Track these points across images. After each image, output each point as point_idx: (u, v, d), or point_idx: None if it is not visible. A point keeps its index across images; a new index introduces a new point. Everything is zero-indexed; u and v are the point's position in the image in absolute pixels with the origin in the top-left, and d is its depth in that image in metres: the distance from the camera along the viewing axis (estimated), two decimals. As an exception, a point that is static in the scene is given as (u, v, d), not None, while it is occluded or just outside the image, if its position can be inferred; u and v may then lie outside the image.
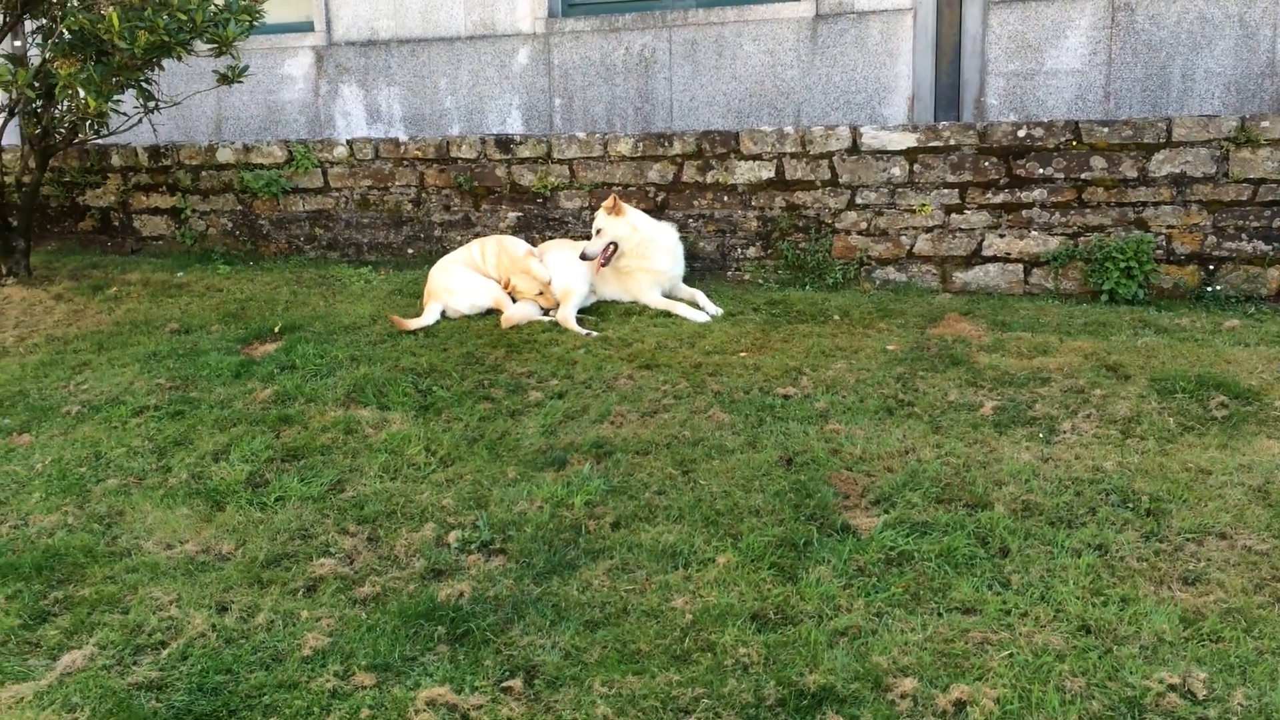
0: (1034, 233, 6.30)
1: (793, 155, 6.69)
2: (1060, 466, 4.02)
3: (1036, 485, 3.88)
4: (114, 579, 3.57)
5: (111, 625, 3.29)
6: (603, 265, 6.14)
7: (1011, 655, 2.94)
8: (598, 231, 6.15)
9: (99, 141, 7.66)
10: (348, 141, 7.64)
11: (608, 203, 6.16)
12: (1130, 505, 3.72)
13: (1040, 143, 6.22)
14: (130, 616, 3.33)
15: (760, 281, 6.73)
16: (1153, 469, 3.97)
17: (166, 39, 6.11)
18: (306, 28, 8.82)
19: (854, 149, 6.57)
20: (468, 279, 6.18)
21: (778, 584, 3.36)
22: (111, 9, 5.94)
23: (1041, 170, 6.24)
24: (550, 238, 7.03)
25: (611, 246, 6.11)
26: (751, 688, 2.86)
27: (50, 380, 5.42)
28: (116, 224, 8.23)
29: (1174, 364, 4.92)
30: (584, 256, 6.09)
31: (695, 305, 6.12)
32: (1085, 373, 4.87)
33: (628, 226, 6.14)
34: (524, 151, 7.22)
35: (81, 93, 6.04)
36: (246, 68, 7.01)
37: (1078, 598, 3.20)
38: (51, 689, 2.98)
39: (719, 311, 6.05)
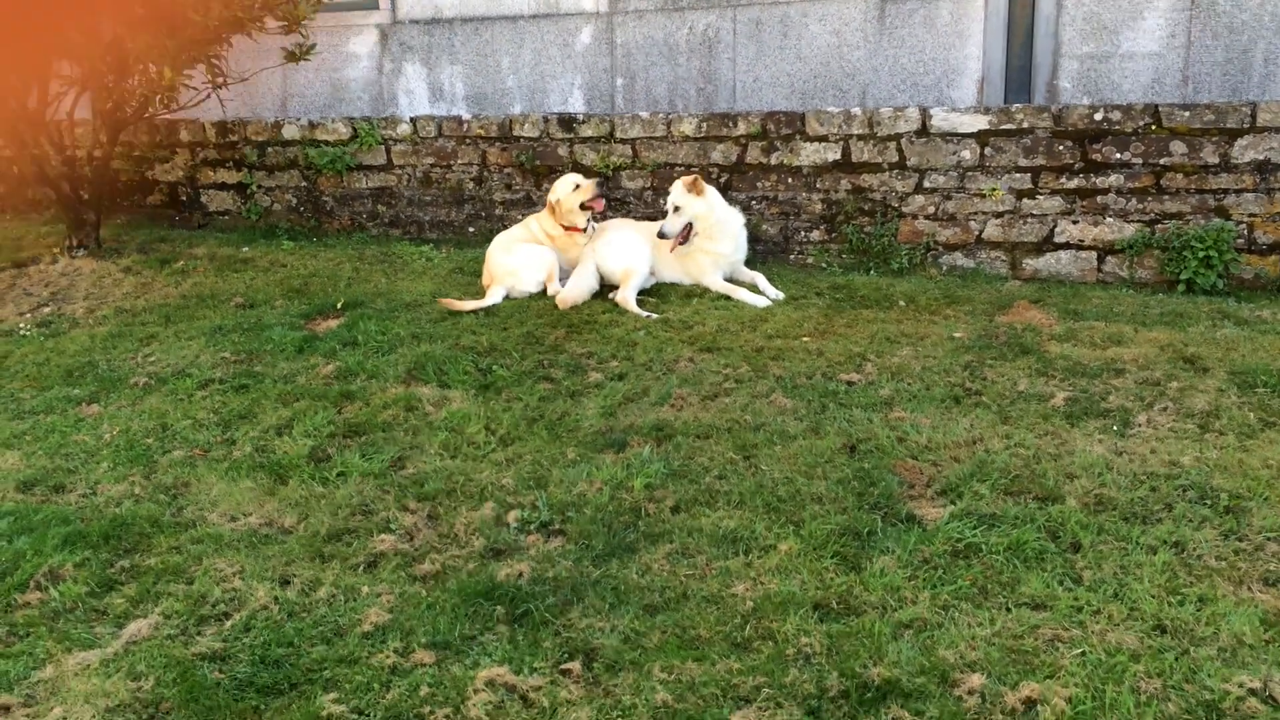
0: (1109, 219, 6.13)
1: (859, 137, 6.57)
2: (1135, 460, 3.90)
3: (1110, 479, 3.77)
4: (179, 549, 3.61)
5: (176, 595, 3.33)
6: (680, 244, 6.08)
7: (1084, 654, 2.86)
8: (675, 209, 6.08)
9: (168, 117, 7.75)
10: (411, 119, 7.65)
11: (687, 180, 6.07)
12: (1208, 502, 3.60)
13: (1118, 126, 6.04)
14: (195, 587, 3.37)
15: (824, 265, 6.63)
16: (1232, 465, 3.84)
17: (240, 14, 6.15)
18: (371, 5, 8.83)
19: (923, 131, 6.43)
20: (532, 256, 6.16)
21: (840, 573, 3.30)
22: None
23: (1118, 155, 6.06)
24: (612, 218, 6.98)
25: (688, 226, 6.05)
26: (814, 678, 2.81)
27: (118, 352, 5.51)
28: (184, 199, 8.34)
29: (1254, 357, 4.75)
30: (661, 235, 6.05)
31: (755, 289, 6.04)
32: (1161, 364, 4.72)
33: (705, 206, 6.07)
34: (586, 131, 7.18)
35: (154, 67, 6.10)
36: (314, 46, 7.04)
37: (1153, 596, 3.10)
38: (118, 657, 3.02)
39: (780, 295, 5.97)
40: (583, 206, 6.37)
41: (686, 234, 6.07)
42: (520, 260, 6.15)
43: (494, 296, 5.99)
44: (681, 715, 2.69)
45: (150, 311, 6.11)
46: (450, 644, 3.03)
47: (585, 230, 6.39)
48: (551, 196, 6.44)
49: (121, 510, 3.88)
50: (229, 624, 3.18)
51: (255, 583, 3.37)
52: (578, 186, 6.40)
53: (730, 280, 6.16)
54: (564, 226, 6.41)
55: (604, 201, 6.45)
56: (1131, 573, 3.22)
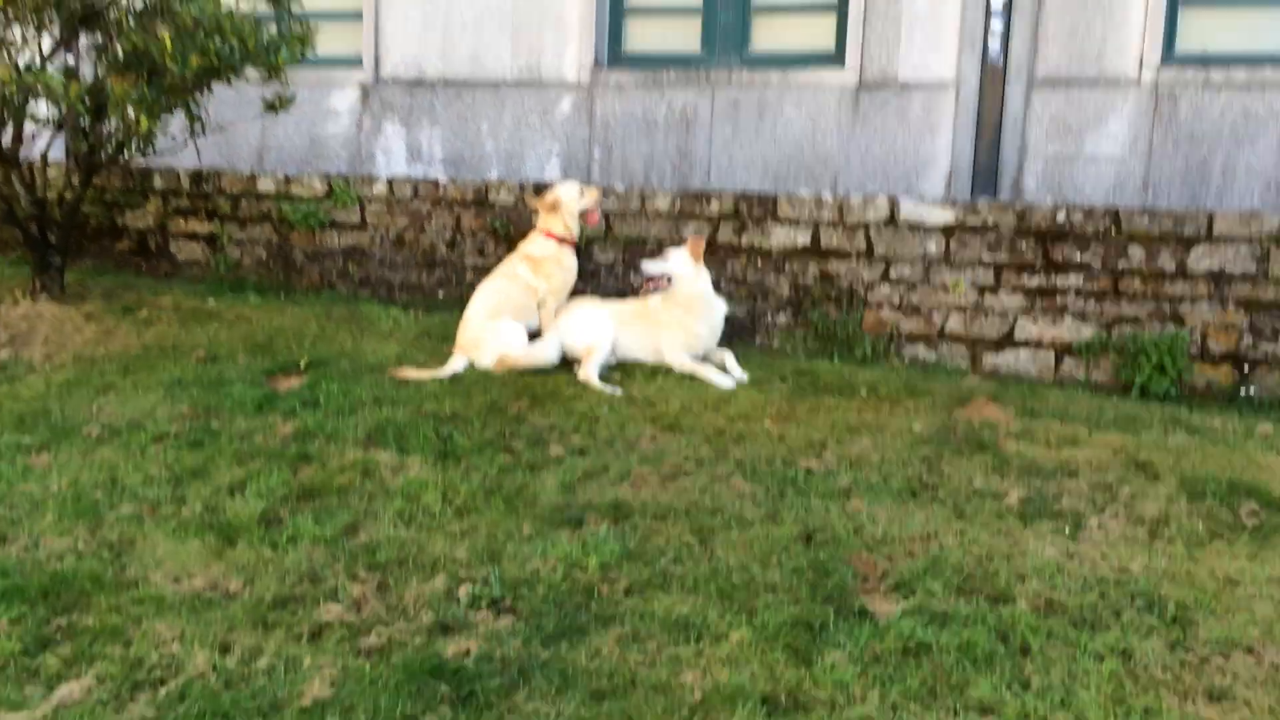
0: (1068, 319, 6.25)
1: (829, 223, 6.68)
2: (1085, 564, 3.94)
3: (1060, 582, 3.79)
4: (119, 609, 3.53)
5: (112, 658, 3.25)
6: (650, 290, 6.10)
7: (1028, 762, 2.85)
8: (668, 279, 6.09)
9: (143, 162, 7.74)
10: (388, 179, 7.70)
11: (692, 244, 6.14)
12: (1156, 611, 3.63)
13: (1079, 228, 6.19)
14: (132, 650, 3.29)
15: (789, 350, 6.69)
16: (1180, 575, 3.88)
17: (217, 62, 6.19)
18: (355, 62, 8.93)
19: (891, 220, 6.55)
20: (504, 330, 6.14)
21: (791, 666, 3.28)
22: (165, 30, 6.02)
23: (1079, 256, 6.21)
24: (583, 289, 7.01)
25: (667, 280, 6.07)
26: (759, 777, 2.78)
27: (74, 400, 5.43)
28: (153, 247, 8.30)
29: (1205, 466, 4.83)
30: (642, 270, 6.11)
31: (724, 368, 6.05)
32: (1114, 468, 4.79)
33: (696, 276, 6.10)
34: (561, 201, 7.24)
35: (132, 112, 6.11)
36: (294, 96, 7.08)
37: (1099, 706, 3.10)
38: (46, 721, 2.94)
39: (745, 377, 6.00)
40: (581, 216, 6.47)
41: (661, 285, 6.07)
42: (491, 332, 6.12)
43: (455, 365, 5.98)
44: (623, 810, 2.65)
45: (110, 360, 6.04)
46: (392, 723, 2.97)
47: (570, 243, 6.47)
48: (553, 195, 6.44)
49: (63, 566, 3.80)
50: (164, 691, 3.10)
51: (194, 648, 3.30)
52: (582, 193, 6.49)
53: (702, 358, 6.15)
54: (556, 238, 6.39)
55: (599, 216, 6.57)
56: (1079, 680, 3.23)
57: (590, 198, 6.54)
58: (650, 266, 6.14)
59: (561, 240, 6.44)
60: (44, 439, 4.94)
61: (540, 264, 6.41)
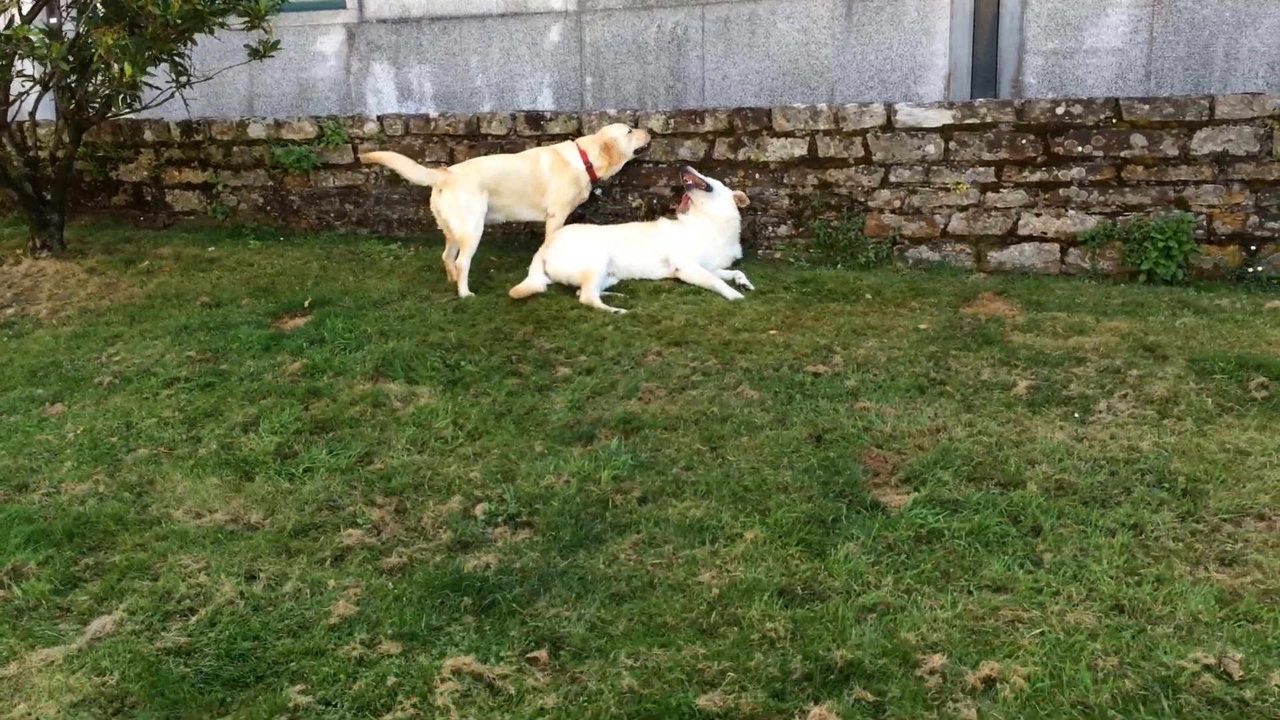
0: (1071, 212, 6.20)
1: (826, 133, 6.61)
2: (1095, 446, 3.96)
3: (1070, 465, 3.82)
4: (144, 546, 3.59)
5: (141, 592, 3.32)
6: (681, 210, 6.42)
7: (1043, 634, 2.90)
8: (707, 187, 6.38)
9: (131, 117, 7.68)
10: (378, 117, 7.63)
11: (738, 196, 6.51)
12: (1166, 486, 3.66)
13: (1079, 120, 6.11)
14: (160, 583, 3.36)
15: (791, 260, 6.67)
16: (1190, 450, 3.90)
17: (200, 7, 6.12)
18: (339, 5, 8.80)
19: (888, 126, 6.48)
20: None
21: (805, 560, 3.33)
22: None
23: (1080, 148, 6.14)
24: (581, 215, 6.98)
25: (706, 187, 6.36)
26: (778, 662, 2.83)
27: (83, 352, 5.46)
28: (149, 199, 8.27)
29: (1213, 345, 4.82)
30: (687, 170, 6.43)
31: (734, 283, 6.08)
32: (1122, 353, 4.79)
33: (732, 209, 6.43)
34: (554, 128, 7.18)
35: (116, 65, 6.05)
36: (278, 43, 7.00)
37: (1111, 577, 3.15)
38: (81, 653, 3.01)
39: (751, 286, 6.04)
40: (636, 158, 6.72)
41: (698, 185, 6.36)
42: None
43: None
44: (648, 700, 2.71)
45: (115, 311, 6.07)
46: (417, 635, 3.03)
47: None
48: (605, 136, 6.57)
49: (85, 509, 3.86)
50: (194, 619, 3.17)
51: (221, 578, 3.37)
52: (630, 132, 6.63)
53: None
54: (586, 161, 6.53)
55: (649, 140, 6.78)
56: (1090, 555, 3.27)
57: (639, 139, 6.64)
58: (694, 172, 6.43)
59: (589, 166, 6.54)
60: (56, 390, 4.98)
61: (561, 169, 6.50)
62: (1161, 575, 3.15)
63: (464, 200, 6.26)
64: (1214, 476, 3.68)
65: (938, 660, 2.78)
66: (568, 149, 6.60)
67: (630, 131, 6.64)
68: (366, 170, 7.69)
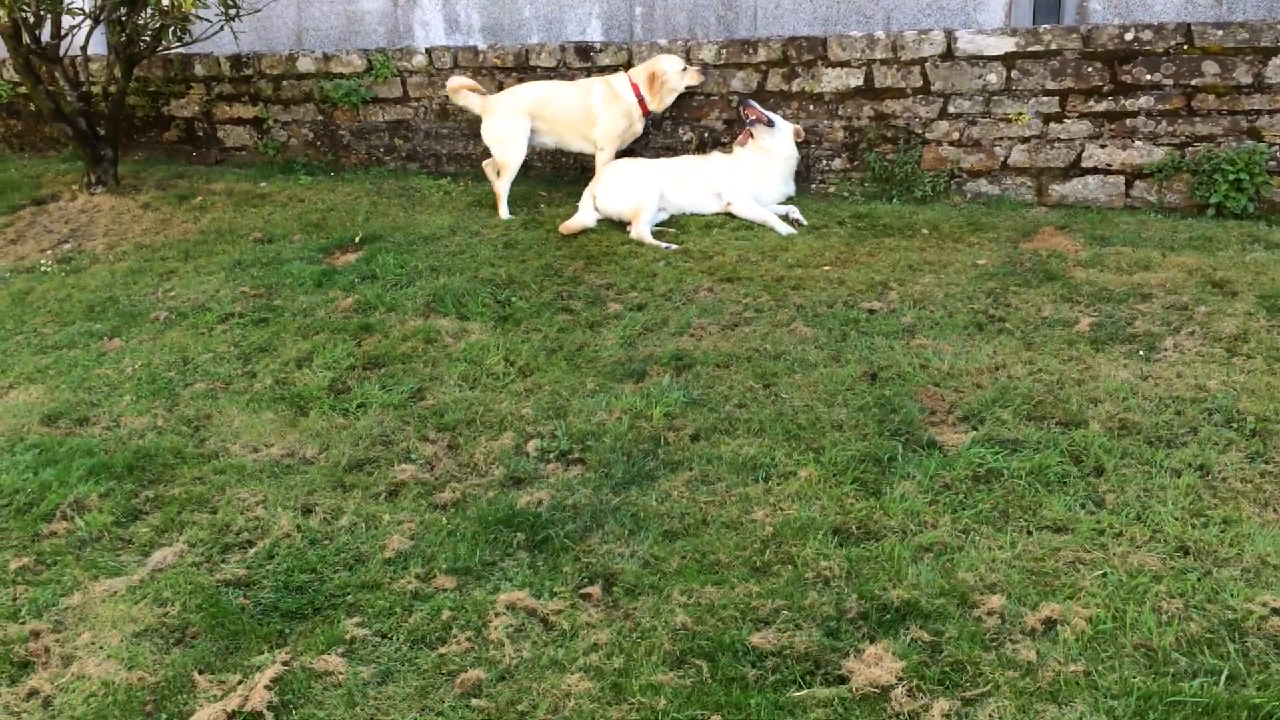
0: (1138, 143, 5.99)
1: (883, 62, 6.42)
2: (1161, 385, 3.85)
3: (1135, 404, 3.72)
4: (202, 480, 3.64)
5: (200, 524, 3.36)
6: (740, 144, 6.31)
7: (1105, 575, 2.84)
8: (769, 122, 6.27)
9: (182, 51, 7.67)
10: (426, 50, 7.54)
11: (797, 130, 6.42)
12: (1234, 425, 3.56)
13: (1149, 46, 5.88)
14: (218, 516, 3.40)
15: (845, 194, 6.54)
16: (1259, 389, 3.78)
17: None
18: (385, -65, 8.68)
19: (948, 54, 6.28)
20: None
21: (861, 499, 3.29)
22: None
23: (1149, 76, 5.91)
24: (632, 149, 6.89)
25: (768, 122, 6.25)
26: (833, 600, 2.81)
27: (139, 287, 5.52)
28: (201, 134, 8.29)
29: (1285, 281, 4.66)
30: (748, 104, 6.31)
31: (787, 219, 5.98)
32: (1189, 289, 4.64)
33: (791, 147, 6.33)
34: (604, 59, 7.05)
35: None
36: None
37: (1176, 518, 3.08)
38: (144, 584, 3.06)
39: (804, 221, 5.93)
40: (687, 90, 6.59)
41: (747, 137, 6.29)
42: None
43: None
44: (701, 637, 2.70)
45: (169, 247, 6.11)
46: (471, 570, 3.05)
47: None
48: (652, 67, 6.42)
49: (145, 442, 3.91)
50: (253, 551, 3.21)
51: (278, 511, 3.40)
52: (685, 69, 6.48)
53: None
54: (638, 94, 6.42)
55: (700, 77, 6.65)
56: (1155, 496, 3.20)
57: (692, 76, 6.51)
58: (756, 105, 6.32)
59: (640, 98, 6.42)
60: (114, 325, 5.04)
61: (613, 101, 6.41)
62: (1229, 517, 3.07)
63: (502, 126, 6.40)
64: (1285, 416, 3.57)
65: (996, 601, 2.74)
66: (619, 80, 6.49)
67: (685, 69, 6.48)
68: (415, 104, 7.63)
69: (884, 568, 2.93)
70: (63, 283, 5.67)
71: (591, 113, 6.41)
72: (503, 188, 6.35)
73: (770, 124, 6.26)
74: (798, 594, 2.84)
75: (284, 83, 7.91)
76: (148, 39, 6.94)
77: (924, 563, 2.95)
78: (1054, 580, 2.84)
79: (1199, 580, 2.80)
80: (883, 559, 2.97)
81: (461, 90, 6.52)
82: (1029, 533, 3.06)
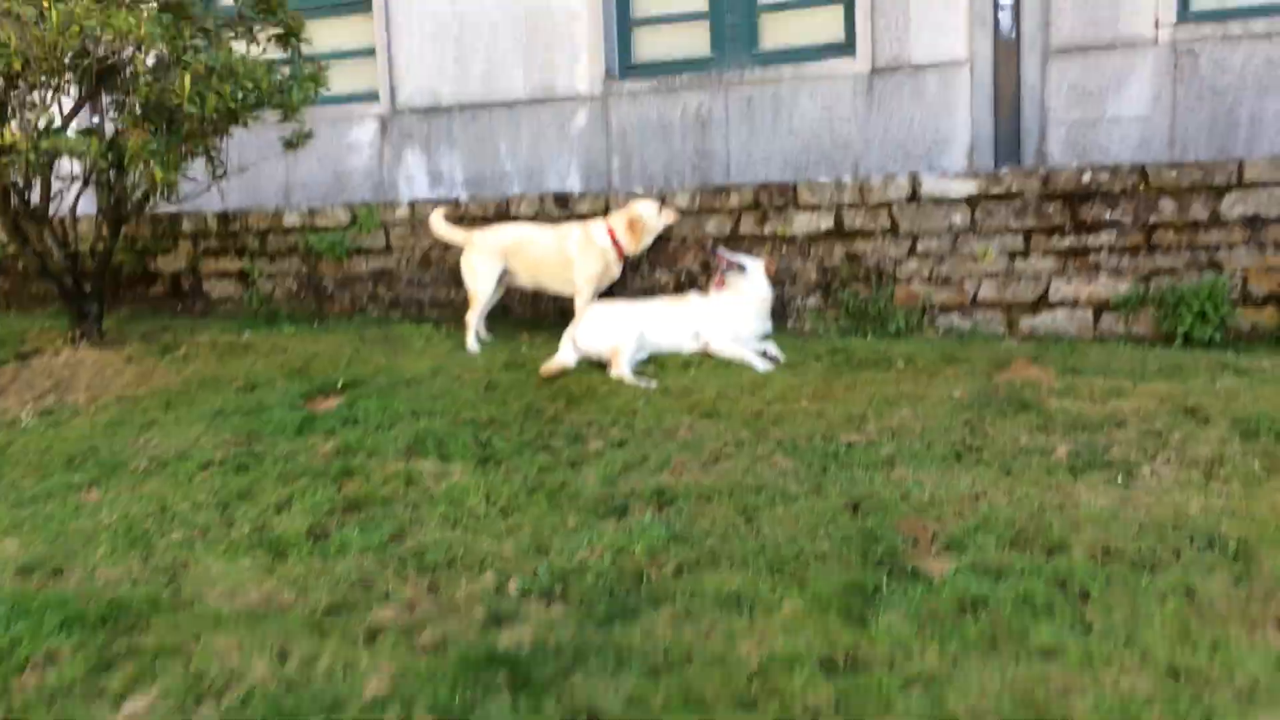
0: (1103, 277, 6.17)
1: (851, 205, 6.65)
2: (1140, 510, 3.87)
3: (1116, 529, 3.73)
4: (177, 628, 3.56)
5: (174, 673, 3.28)
6: (720, 283, 6.46)
7: (1097, 702, 2.80)
8: (740, 267, 6.46)
9: (170, 209, 7.87)
10: (410, 202, 7.77)
11: (767, 262, 6.63)
12: (1216, 548, 3.56)
13: (1106, 186, 6.12)
14: (193, 664, 3.31)
15: (821, 331, 6.66)
16: (1239, 511, 3.80)
17: (234, 104, 6.30)
18: (372, 97, 9.04)
19: (914, 197, 6.52)
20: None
21: (847, 630, 3.25)
22: (184, 76, 6.12)
23: (1108, 214, 6.13)
24: (608, 291, 7.03)
25: (740, 267, 6.45)
26: (822, 735, 2.75)
27: (119, 437, 5.51)
28: (187, 288, 8.43)
29: (1256, 406, 4.74)
30: (718, 253, 6.51)
31: (764, 355, 6.08)
32: (1163, 416, 4.71)
33: (766, 289, 6.51)
34: (582, 207, 7.27)
35: (147, 165, 6.21)
36: (310, 133, 7.18)
37: (1165, 642, 3.05)
38: (113, 736, 2.97)
39: (781, 357, 6.03)
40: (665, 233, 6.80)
41: (720, 282, 6.45)
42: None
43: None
44: (687, 776, 2.62)
45: (152, 398, 6.13)
46: (452, 711, 2.97)
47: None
48: (632, 211, 6.62)
49: (120, 593, 3.84)
50: (226, 700, 3.12)
51: (253, 658, 3.32)
52: (661, 210, 6.71)
53: None
54: (613, 238, 6.62)
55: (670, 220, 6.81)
56: (1142, 620, 3.17)
57: (668, 216, 6.75)
58: (726, 252, 6.53)
59: (615, 243, 6.65)
60: (93, 476, 5.01)
61: (588, 246, 6.65)
62: (1217, 640, 3.04)
63: (476, 261, 6.87)
64: (1266, 538, 3.58)
65: (988, 730, 2.69)
66: (595, 226, 6.71)
67: (661, 210, 6.71)
68: (399, 253, 7.80)
69: (873, 699, 2.87)
70: (43, 435, 5.66)
71: (567, 256, 6.64)
72: (471, 318, 6.74)
73: (742, 269, 6.43)
74: (786, 729, 2.78)
75: (270, 236, 8.10)
76: (135, 200, 7.12)
77: (913, 693, 2.90)
78: (1046, 708, 2.79)
79: (1191, 704, 2.76)
80: (871, 690, 2.92)
81: (441, 221, 7.05)
82: (1018, 660, 3.02)
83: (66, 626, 3.58)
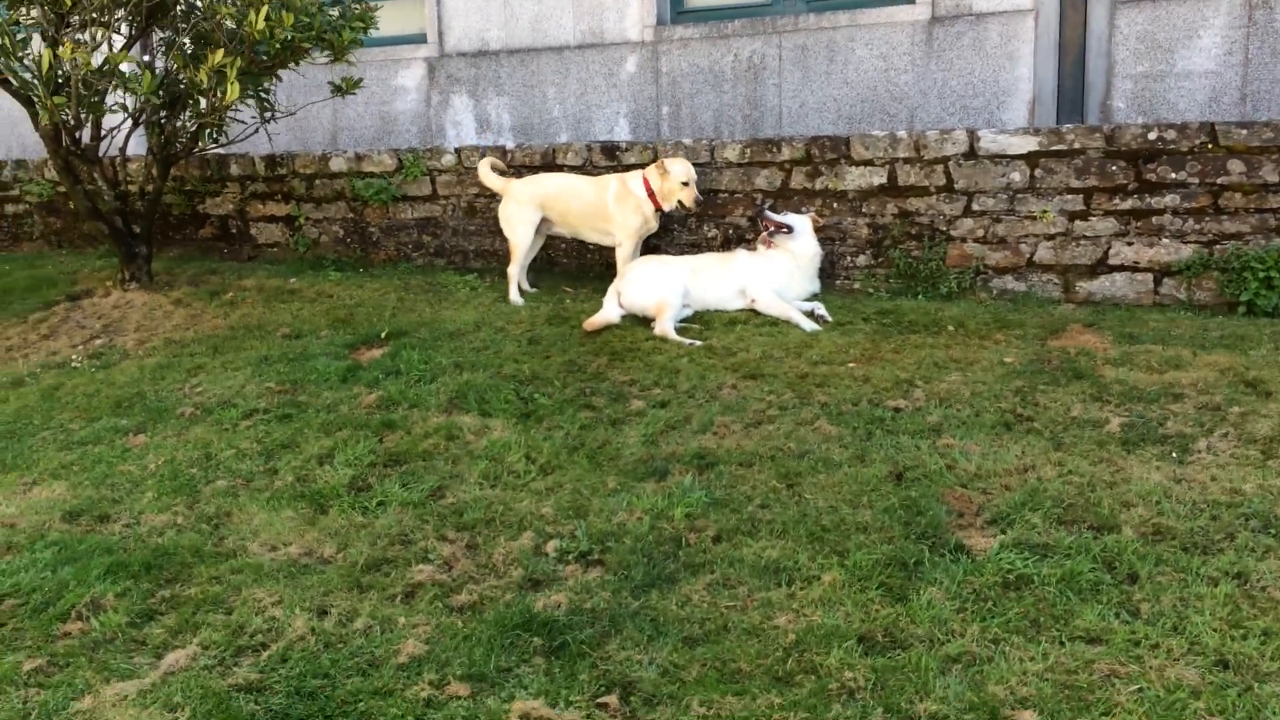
0: (1165, 240, 5.97)
1: (905, 160, 6.48)
2: (1194, 488, 3.76)
3: (1168, 508, 3.63)
4: (219, 579, 3.61)
5: (215, 625, 3.32)
6: (767, 241, 6.33)
7: (1141, 690, 2.74)
8: (787, 229, 6.30)
9: (218, 151, 7.88)
10: (455, 149, 7.70)
11: (813, 217, 6.47)
12: (1272, 531, 3.45)
13: (1173, 145, 5.90)
14: (233, 617, 3.36)
15: (870, 291, 6.54)
16: (1298, 493, 3.68)
17: (294, 35, 6.27)
18: (419, 39, 8.95)
19: (971, 153, 6.33)
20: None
21: (886, 605, 3.21)
22: (251, 10, 6.03)
23: (1174, 175, 5.91)
24: (657, 245, 6.95)
25: (787, 229, 6.28)
26: (858, 714, 2.72)
27: (166, 382, 5.56)
28: (234, 231, 8.46)
29: (1320, 380, 4.58)
30: (764, 215, 6.35)
31: (812, 315, 5.97)
32: (1222, 389, 4.56)
33: (814, 239, 6.37)
34: (630, 158, 7.16)
35: (218, 89, 6.13)
36: (360, 80, 7.12)
37: (1214, 629, 2.97)
38: (155, 688, 3.01)
39: (829, 318, 5.91)
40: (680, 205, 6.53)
41: (770, 237, 6.32)
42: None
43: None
44: (720, 752, 2.61)
45: (199, 342, 6.18)
46: (486, 676, 2.98)
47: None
48: (667, 164, 6.45)
49: (164, 540, 3.89)
50: (266, 655, 3.16)
51: (293, 613, 3.35)
52: (686, 184, 6.42)
53: None
54: (649, 190, 6.50)
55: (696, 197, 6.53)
56: (1192, 605, 3.09)
57: (691, 191, 6.43)
58: (771, 214, 6.38)
59: (651, 195, 6.52)
60: (140, 421, 5.07)
61: (625, 198, 6.55)
62: (1269, 629, 2.96)
63: (512, 211, 6.79)
64: (1325, 522, 3.47)
65: (1028, 717, 2.64)
66: (633, 178, 6.60)
67: (685, 184, 6.39)
68: (444, 202, 7.76)
69: (910, 679, 2.83)
70: (92, 378, 5.73)
71: (604, 207, 6.56)
72: (513, 270, 6.70)
73: (789, 230, 6.30)
74: (821, 706, 2.75)
75: (316, 181, 8.09)
76: (185, 140, 7.12)
77: (952, 674, 2.85)
78: (1088, 695, 2.73)
79: (1239, 696, 2.69)
80: (909, 670, 2.88)
81: (487, 168, 6.96)
82: (1061, 643, 2.96)
83: (111, 574, 3.64)
